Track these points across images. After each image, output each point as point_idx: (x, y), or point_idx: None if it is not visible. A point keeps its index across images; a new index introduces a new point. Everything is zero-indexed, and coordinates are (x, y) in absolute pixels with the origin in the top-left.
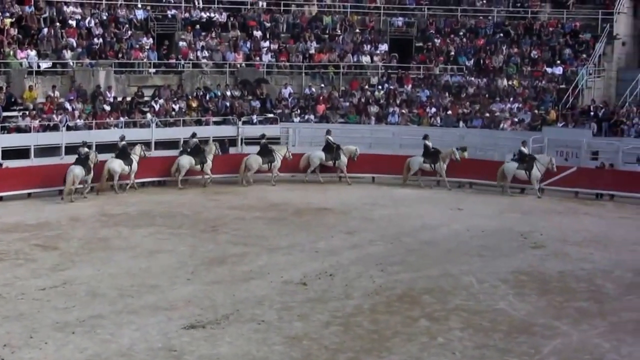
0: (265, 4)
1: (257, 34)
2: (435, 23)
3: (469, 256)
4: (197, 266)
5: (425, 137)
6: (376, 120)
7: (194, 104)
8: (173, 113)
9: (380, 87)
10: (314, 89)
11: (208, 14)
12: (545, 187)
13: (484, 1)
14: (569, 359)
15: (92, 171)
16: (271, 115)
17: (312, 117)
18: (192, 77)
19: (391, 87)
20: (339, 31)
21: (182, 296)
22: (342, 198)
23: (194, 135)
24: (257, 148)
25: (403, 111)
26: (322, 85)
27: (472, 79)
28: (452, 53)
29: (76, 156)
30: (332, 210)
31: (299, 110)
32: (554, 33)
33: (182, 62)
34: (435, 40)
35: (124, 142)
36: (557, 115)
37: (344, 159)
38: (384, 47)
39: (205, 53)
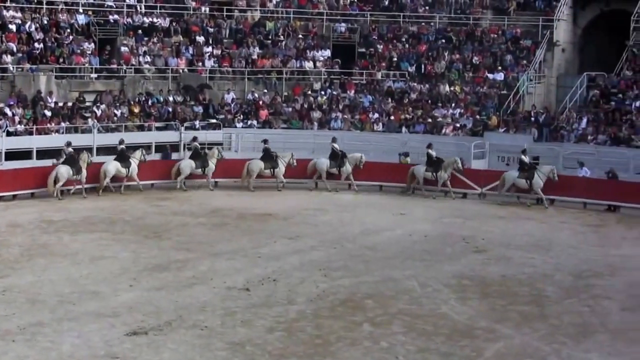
0: (208, 9)
1: (200, 39)
2: (378, 29)
3: (411, 261)
4: (140, 272)
5: (429, 146)
6: (319, 126)
7: (136, 110)
8: (115, 119)
9: (323, 92)
10: (256, 95)
11: (150, 19)
12: (487, 192)
13: (426, 7)
14: None
15: (82, 171)
16: (214, 120)
17: (254, 122)
18: (134, 83)
19: (334, 92)
20: (282, 37)
21: (125, 302)
22: (284, 203)
23: (194, 139)
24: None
25: (346, 117)
26: (265, 90)
27: (415, 84)
28: (395, 59)
29: (65, 156)
30: (274, 216)
31: (241, 116)
32: (496, 39)
33: (124, 67)
34: (378, 46)
35: (122, 146)
36: (498, 121)
37: (348, 167)
38: (326, 52)
39: (148, 58)
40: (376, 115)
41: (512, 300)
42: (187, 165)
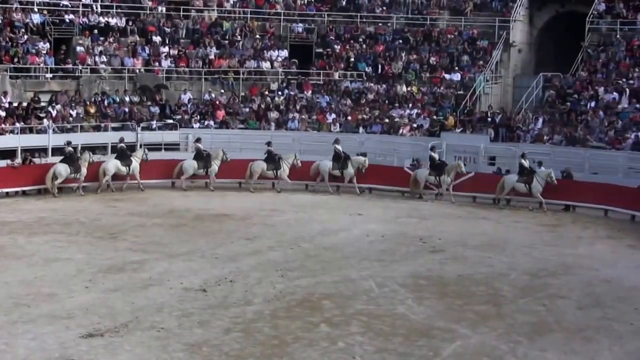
0: (164, 9)
1: (157, 39)
2: (335, 29)
3: (368, 261)
4: (95, 274)
5: (432, 148)
6: (276, 126)
7: (92, 110)
8: (70, 119)
9: (280, 93)
10: (213, 95)
11: (106, 18)
12: (443, 192)
13: (384, 8)
14: None
15: (81, 169)
16: (170, 121)
17: (211, 123)
18: (90, 83)
19: (291, 93)
20: (239, 37)
21: (80, 304)
22: (241, 204)
23: (198, 140)
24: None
25: (303, 117)
26: (222, 91)
27: (372, 85)
28: (352, 59)
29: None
30: (231, 217)
31: (198, 116)
32: (452, 40)
33: (80, 67)
34: (335, 46)
35: (122, 144)
36: (455, 121)
37: (351, 170)
38: (284, 53)
39: (104, 58)
40: (333, 115)
41: (468, 299)
42: (190, 165)
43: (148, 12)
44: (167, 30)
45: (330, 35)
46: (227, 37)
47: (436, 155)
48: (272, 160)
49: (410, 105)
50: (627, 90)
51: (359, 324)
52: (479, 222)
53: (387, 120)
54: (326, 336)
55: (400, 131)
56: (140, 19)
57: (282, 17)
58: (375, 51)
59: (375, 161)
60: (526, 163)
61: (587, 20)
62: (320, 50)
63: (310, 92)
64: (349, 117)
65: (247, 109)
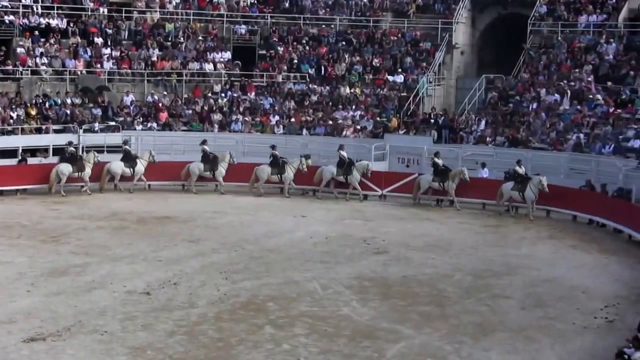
0: (106, 10)
1: (98, 40)
2: (278, 31)
3: (312, 263)
4: (37, 277)
5: (436, 154)
6: (219, 128)
7: (33, 112)
8: (11, 121)
9: (223, 94)
10: (156, 97)
11: (47, 19)
12: (387, 193)
13: (327, 10)
14: None
15: (85, 169)
16: (113, 123)
17: (154, 125)
18: (31, 84)
19: (234, 94)
20: (182, 38)
21: (22, 308)
22: (184, 206)
23: (204, 142)
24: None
25: (246, 119)
26: (165, 92)
27: (315, 86)
28: (295, 61)
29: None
30: (175, 219)
31: (141, 118)
32: (395, 42)
33: (21, 68)
34: (278, 48)
35: (126, 146)
36: (398, 123)
37: (356, 175)
38: (227, 54)
39: (45, 60)
40: (277, 117)
41: (412, 300)
42: (196, 167)
43: (89, 13)
44: (109, 31)
45: (273, 37)
46: (169, 39)
47: (440, 162)
48: (277, 164)
49: (354, 107)
50: (569, 91)
51: (304, 326)
52: (423, 224)
53: (330, 122)
54: (271, 338)
55: (344, 133)
56: (82, 20)
57: (225, 19)
58: (318, 53)
59: (319, 163)
60: (521, 170)
61: (529, 22)
62: (264, 52)
63: (253, 94)
64: (293, 119)
65: (190, 111)
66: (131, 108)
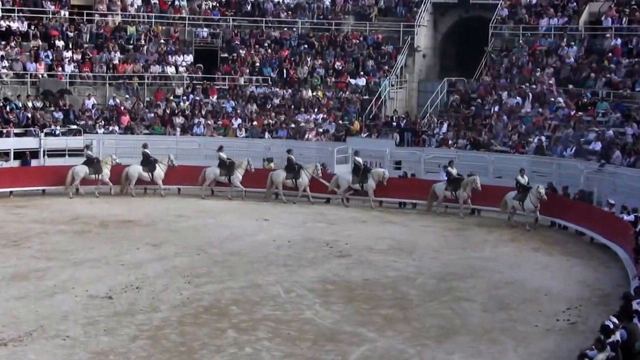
0: (67, 13)
1: (60, 43)
2: (240, 34)
3: (275, 266)
4: None
5: (450, 163)
6: (181, 132)
7: None
8: None
9: (185, 98)
10: (118, 100)
11: (8, 22)
12: (350, 197)
13: (289, 13)
14: None
15: (103, 171)
16: (74, 126)
17: (116, 128)
18: None
19: (196, 98)
20: (144, 41)
21: None
22: (147, 210)
23: (220, 148)
24: (62, 160)
25: (208, 122)
26: (127, 96)
27: (277, 90)
28: (257, 64)
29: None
30: (137, 223)
31: (103, 122)
32: (357, 45)
33: None
34: (240, 51)
35: (146, 150)
36: (360, 126)
37: (371, 183)
38: (189, 57)
39: (5, 63)
40: (239, 120)
41: (375, 303)
42: (212, 172)
43: (50, 16)
44: (70, 34)
45: (235, 40)
46: (131, 42)
47: (454, 171)
48: (292, 169)
49: (316, 110)
50: (530, 94)
51: (267, 330)
52: (386, 226)
53: (292, 125)
54: (234, 342)
55: (306, 136)
56: (43, 23)
57: (186, 22)
58: (280, 56)
59: (282, 166)
60: (523, 180)
61: (490, 25)
62: (226, 55)
63: (215, 97)
64: (255, 122)
65: (152, 114)
66: (93, 111)
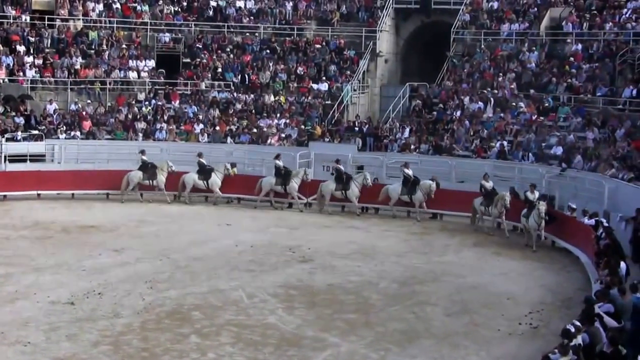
0: (28, 18)
1: (21, 48)
2: (203, 39)
3: (238, 271)
4: None
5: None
6: (143, 137)
7: None
8: None
9: (147, 103)
10: (79, 105)
11: None
12: (312, 201)
13: (251, 18)
14: None
15: (158, 177)
16: (36, 132)
17: (78, 133)
18: None
19: (158, 103)
20: (105, 47)
21: None
22: (109, 215)
23: (277, 156)
24: (24, 165)
25: (171, 127)
26: (89, 101)
27: (239, 95)
28: (219, 69)
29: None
30: (99, 228)
31: (64, 127)
32: (320, 50)
33: None
34: (203, 56)
35: (201, 159)
36: (323, 131)
37: (419, 195)
38: (151, 63)
39: None
40: (201, 125)
41: (338, 308)
42: (268, 182)
43: (11, 20)
44: (32, 39)
45: (197, 45)
46: (93, 47)
47: (488, 184)
48: (341, 180)
49: (278, 115)
50: (492, 99)
51: (229, 335)
52: (348, 231)
53: (255, 130)
54: (196, 347)
55: (269, 141)
56: (4, 27)
57: (148, 27)
58: (242, 61)
59: (244, 171)
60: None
61: (452, 30)
62: (188, 60)
63: (177, 102)
64: (217, 127)
65: (114, 120)
66: (54, 116)
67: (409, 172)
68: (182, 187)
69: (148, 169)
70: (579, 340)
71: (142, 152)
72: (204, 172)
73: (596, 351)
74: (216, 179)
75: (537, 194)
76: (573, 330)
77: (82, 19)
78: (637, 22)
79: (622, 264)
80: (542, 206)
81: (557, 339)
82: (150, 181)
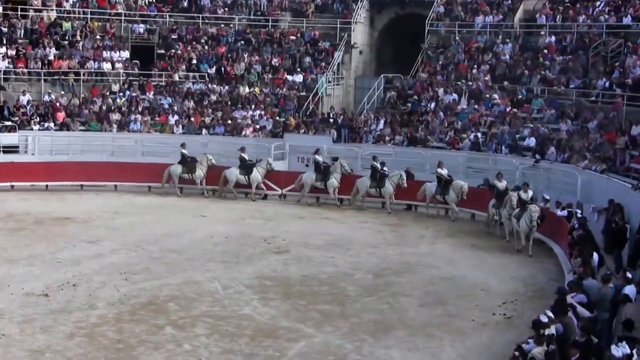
0: (1, 8)
1: None
2: (177, 30)
3: (213, 262)
4: None
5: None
6: (118, 128)
7: None
8: None
9: (121, 94)
10: (53, 96)
11: None
12: (287, 192)
13: (226, 9)
14: None
15: (197, 172)
16: (9, 123)
17: (51, 125)
18: None
19: (133, 94)
20: (79, 37)
21: None
22: (83, 207)
23: (317, 151)
24: None
25: (145, 119)
26: (62, 92)
27: (214, 86)
28: (194, 60)
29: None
30: (73, 220)
31: (38, 118)
32: (294, 42)
33: None
34: (177, 47)
35: (243, 154)
36: (297, 123)
37: (452, 195)
38: (125, 54)
39: None
40: (176, 117)
41: (313, 299)
42: (309, 177)
43: None
44: (4, 30)
45: (171, 37)
46: (66, 38)
47: (500, 185)
48: (375, 177)
49: (253, 106)
50: (466, 91)
51: (205, 326)
52: (323, 223)
53: (230, 122)
54: (172, 339)
55: (244, 132)
56: None
57: (123, 18)
58: (217, 52)
59: (219, 162)
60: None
61: (427, 22)
62: (162, 51)
63: (152, 93)
64: (192, 119)
65: (88, 111)
66: (27, 108)
67: (442, 171)
68: (223, 182)
69: (187, 162)
70: (552, 330)
71: (183, 145)
72: (245, 167)
73: (570, 341)
74: (257, 175)
75: (530, 193)
76: (546, 320)
77: (56, 10)
78: (610, 14)
79: (595, 255)
80: (535, 212)
81: (530, 329)
82: (190, 175)
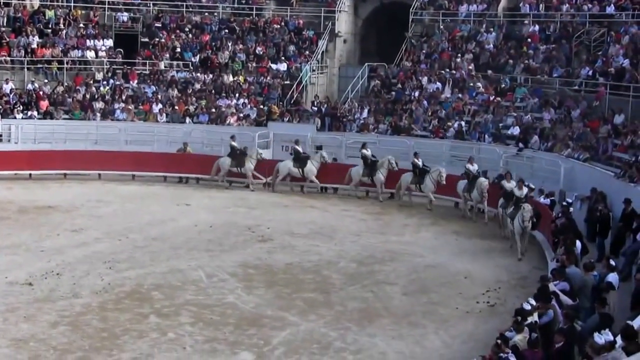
0: None
1: None
2: (161, 19)
3: (197, 251)
4: None
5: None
6: (102, 117)
7: None
8: None
9: (105, 82)
10: (36, 85)
11: None
12: (271, 181)
13: None
14: (297, 349)
15: (246, 165)
16: None
17: (35, 113)
18: None
19: (116, 82)
20: (63, 26)
21: None
22: (66, 196)
23: (364, 145)
24: None
25: (129, 107)
26: (46, 80)
27: (198, 74)
28: (178, 49)
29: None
30: (57, 208)
31: (21, 107)
32: (279, 30)
33: None
34: (161, 35)
35: (297, 147)
36: (281, 111)
37: (475, 194)
38: (108, 42)
39: None
40: (160, 105)
41: (297, 287)
42: (356, 172)
43: None
44: None
45: (155, 25)
46: (50, 26)
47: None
48: (416, 173)
49: (237, 95)
50: (450, 80)
51: (189, 314)
52: (307, 211)
53: (214, 110)
54: (156, 327)
55: (227, 121)
56: None
57: (106, 6)
58: (201, 41)
59: (203, 151)
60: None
61: (411, 11)
62: (146, 39)
63: (136, 82)
64: (176, 107)
65: (72, 99)
66: (11, 96)
67: (471, 167)
68: (275, 175)
69: (237, 155)
70: (534, 317)
71: (233, 137)
72: (300, 159)
73: (554, 328)
74: (312, 167)
75: (525, 190)
76: (529, 308)
77: None
78: (593, 3)
79: (578, 243)
80: (528, 212)
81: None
82: (238, 168)
